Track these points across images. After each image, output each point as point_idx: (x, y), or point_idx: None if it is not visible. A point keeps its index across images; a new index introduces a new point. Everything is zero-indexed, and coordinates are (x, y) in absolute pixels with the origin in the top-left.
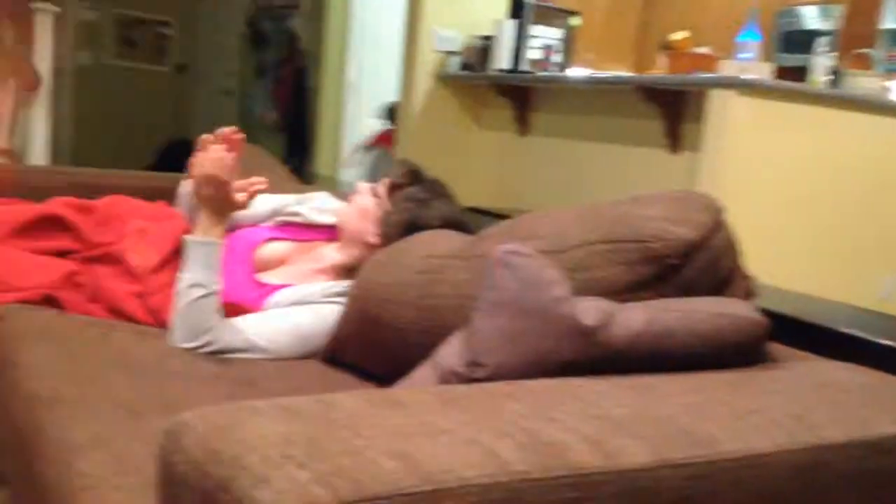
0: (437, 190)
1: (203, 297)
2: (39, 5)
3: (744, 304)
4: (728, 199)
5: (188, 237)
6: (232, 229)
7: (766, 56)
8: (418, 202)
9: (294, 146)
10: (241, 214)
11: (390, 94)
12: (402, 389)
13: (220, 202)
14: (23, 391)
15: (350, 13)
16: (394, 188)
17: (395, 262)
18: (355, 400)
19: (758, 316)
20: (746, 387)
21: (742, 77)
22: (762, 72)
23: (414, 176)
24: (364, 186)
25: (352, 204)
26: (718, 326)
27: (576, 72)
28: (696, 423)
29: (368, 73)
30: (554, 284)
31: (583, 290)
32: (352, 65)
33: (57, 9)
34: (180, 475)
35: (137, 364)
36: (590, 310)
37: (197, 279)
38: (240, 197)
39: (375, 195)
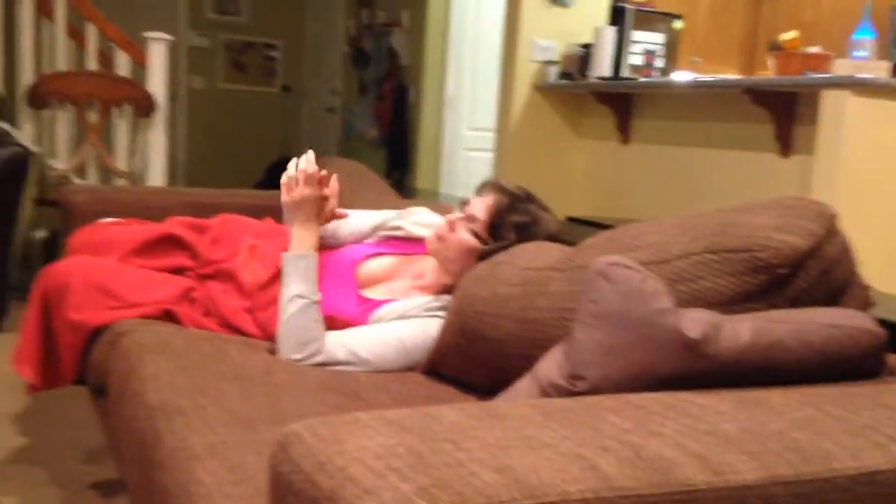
0: (534, 211)
1: (305, 308)
2: (153, 34)
3: (859, 314)
4: (843, 204)
5: (285, 253)
6: (337, 246)
7: (883, 53)
8: (518, 229)
9: (395, 161)
10: (344, 232)
11: (489, 107)
12: (502, 402)
13: (307, 205)
14: (143, 402)
15: (448, 28)
16: (492, 224)
17: (494, 276)
18: (457, 413)
19: (874, 327)
20: (862, 401)
21: (856, 76)
22: (878, 70)
23: (511, 204)
24: (459, 221)
25: (450, 238)
26: (832, 338)
27: (680, 76)
28: (809, 438)
29: (467, 86)
30: (657, 296)
31: (687, 301)
32: (451, 79)
33: (170, 37)
34: (290, 485)
35: (249, 376)
36: (694, 322)
37: (297, 291)
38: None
39: (476, 235)
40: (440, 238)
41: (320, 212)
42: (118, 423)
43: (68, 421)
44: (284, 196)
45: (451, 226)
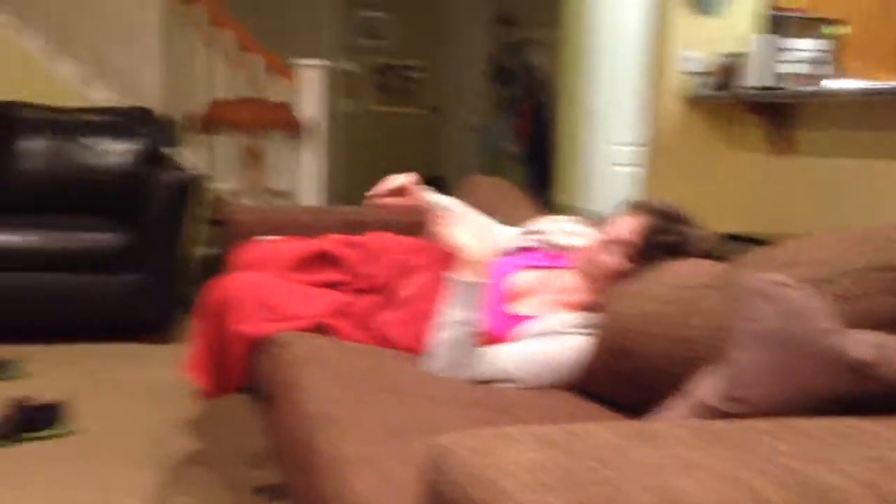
0: (685, 231)
1: (467, 336)
2: (306, 60)
3: None
4: None
5: (454, 275)
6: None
7: None
8: (668, 250)
9: (537, 177)
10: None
11: (631, 120)
12: (653, 422)
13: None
14: (302, 411)
15: (588, 42)
16: (641, 246)
17: (644, 293)
18: (606, 431)
19: None
20: None
21: None
22: None
23: (660, 225)
24: (607, 243)
25: (598, 260)
26: None
27: (843, 83)
28: None
29: (608, 100)
30: (820, 315)
31: (853, 321)
32: (591, 93)
33: (323, 62)
34: (442, 496)
35: (401, 388)
36: (862, 343)
37: (461, 317)
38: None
39: (624, 257)
40: (588, 260)
41: (476, 229)
42: (279, 430)
43: (236, 427)
44: (434, 228)
45: (600, 247)
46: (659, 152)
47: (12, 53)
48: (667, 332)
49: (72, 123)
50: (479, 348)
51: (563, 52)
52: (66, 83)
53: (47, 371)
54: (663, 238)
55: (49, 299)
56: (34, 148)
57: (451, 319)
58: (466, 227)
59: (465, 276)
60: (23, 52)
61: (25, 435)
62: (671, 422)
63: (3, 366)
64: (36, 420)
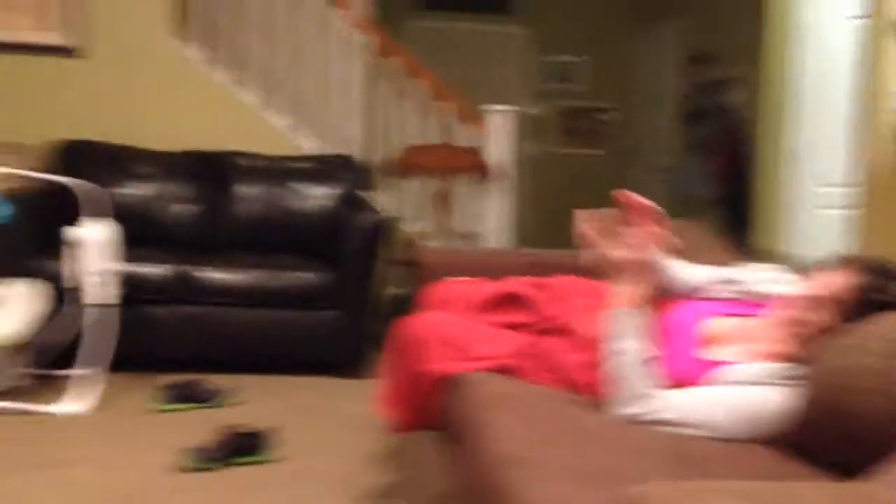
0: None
1: (633, 364)
2: (494, 106)
3: None
4: None
5: (609, 309)
6: (668, 298)
7: None
8: (883, 308)
9: (732, 220)
10: (678, 285)
11: (837, 161)
12: (874, 486)
13: (629, 268)
14: (489, 451)
15: (792, 79)
16: (848, 309)
17: (858, 346)
18: (820, 492)
19: None
20: None
21: None
22: None
23: (871, 285)
24: (812, 299)
25: (801, 317)
26: None
27: None
28: None
29: (811, 139)
30: None
31: None
32: (793, 132)
33: (511, 108)
34: None
35: (586, 432)
36: None
37: (622, 347)
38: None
39: (837, 318)
40: (793, 318)
41: (647, 274)
42: (467, 469)
43: (423, 463)
44: (607, 253)
45: (806, 304)
46: (872, 193)
47: (231, 107)
48: (884, 389)
49: (281, 170)
50: (669, 391)
51: (765, 89)
52: (277, 133)
53: (256, 400)
54: (877, 297)
55: (257, 333)
56: (248, 193)
57: (613, 352)
58: (627, 264)
59: (619, 306)
60: (240, 105)
61: (235, 459)
62: (889, 485)
63: (218, 394)
64: (245, 446)
